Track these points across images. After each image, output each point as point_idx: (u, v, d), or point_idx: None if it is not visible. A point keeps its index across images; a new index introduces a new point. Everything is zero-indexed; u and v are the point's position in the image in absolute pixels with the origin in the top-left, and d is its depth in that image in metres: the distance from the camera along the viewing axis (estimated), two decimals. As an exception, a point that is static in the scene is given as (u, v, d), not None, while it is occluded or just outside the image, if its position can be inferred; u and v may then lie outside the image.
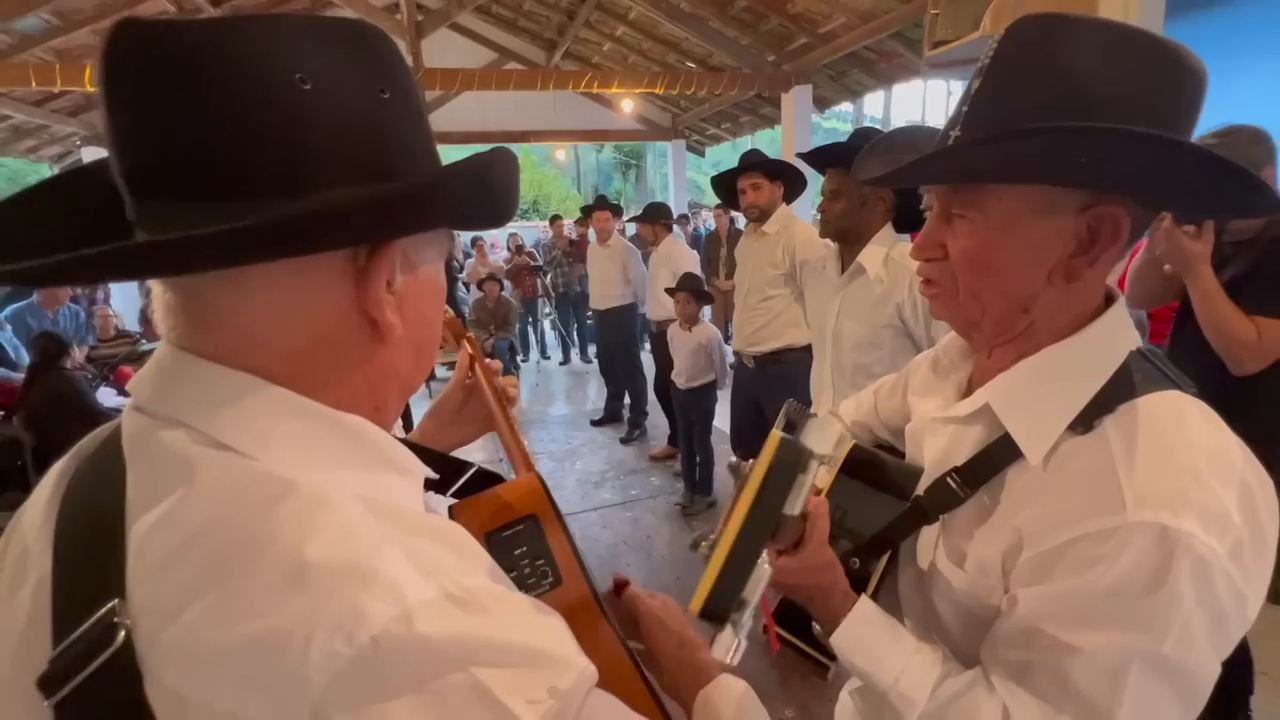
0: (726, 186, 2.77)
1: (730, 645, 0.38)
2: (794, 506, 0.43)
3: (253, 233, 0.33)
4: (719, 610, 0.37)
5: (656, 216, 4.29)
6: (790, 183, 2.72)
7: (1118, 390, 0.56)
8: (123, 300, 6.81)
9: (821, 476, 0.88)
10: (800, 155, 2.12)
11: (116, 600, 0.33)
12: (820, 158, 1.90)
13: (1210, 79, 0.53)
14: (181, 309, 0.39)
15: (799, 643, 0.76)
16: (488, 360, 0.81)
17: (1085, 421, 0.56)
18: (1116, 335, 0.59)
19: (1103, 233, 0.55)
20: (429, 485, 0.51)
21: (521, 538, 0.57)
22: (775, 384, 2.72)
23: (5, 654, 0.37)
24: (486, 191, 0.43)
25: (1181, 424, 0.53)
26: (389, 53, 0.41)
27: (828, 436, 0.42)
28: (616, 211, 4.68)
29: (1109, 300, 0.61)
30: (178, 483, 0.35)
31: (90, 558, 0.36)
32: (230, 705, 0.30)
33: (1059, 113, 0.51)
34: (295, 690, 0.30)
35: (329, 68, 0.37)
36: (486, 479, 0.69)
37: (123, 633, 0.32)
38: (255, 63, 0.35)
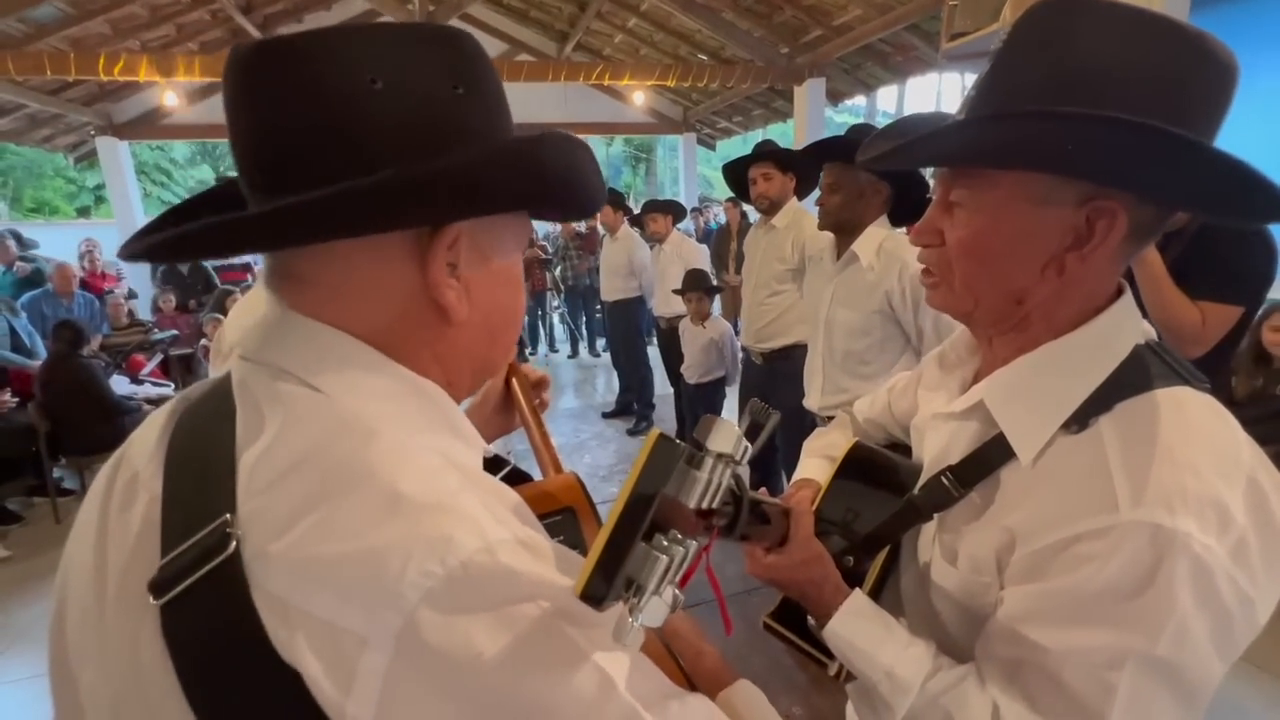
0: (737, 176, 2.74)
1: (625, 628, 0.39)
2: (690, 498, 0.44)
3: (312, 206, 0.38)
4: (597, 592, 0.38)
5: (654, 209, 4.24)
6: (803, 176, 2.69)
7: (1118, 387, 0.54)
8: (138, 289, 6.87)
9: (819, 471, 0.89)
10: (798, 151, 2.13)
11: (228, 514, 0.37)
12: (819, 151, 1.93)
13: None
14: (282, 272, 0.44)
15: (796, 639, 0.76)
16: (523, 365, 0.85)
17: (1080, 420, 0.54)
18: (1119, 330, 0.57)
19: (1098, 227, 0.52)
20: None
21: (559, 528, 0.60)
22: (784, 381, 2.69)
23: (117, 564, 0.41)
24: (537, 173, 0.44)
25: (1183, 420, 0.51)
26: (468, 53, 0.44)
27: (728, 437, 0.44)
28: (620, 205, 4.66)
29: (1119, 294, 0.58)
30: (280, 419, 0.40)
31: (203, 480, 0.40)
32: (327, 612, 0.33)
33: (1058, 95, 0.49)
34: (390, 603, 0.33)
35: (401, 69, 0.40)
36: (518, 478, 0.71)
37: (234, 543, 0.36)
38: (332, 71, 0.39)
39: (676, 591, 0.41)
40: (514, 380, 0.83)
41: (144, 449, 0.45)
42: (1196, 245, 1.58)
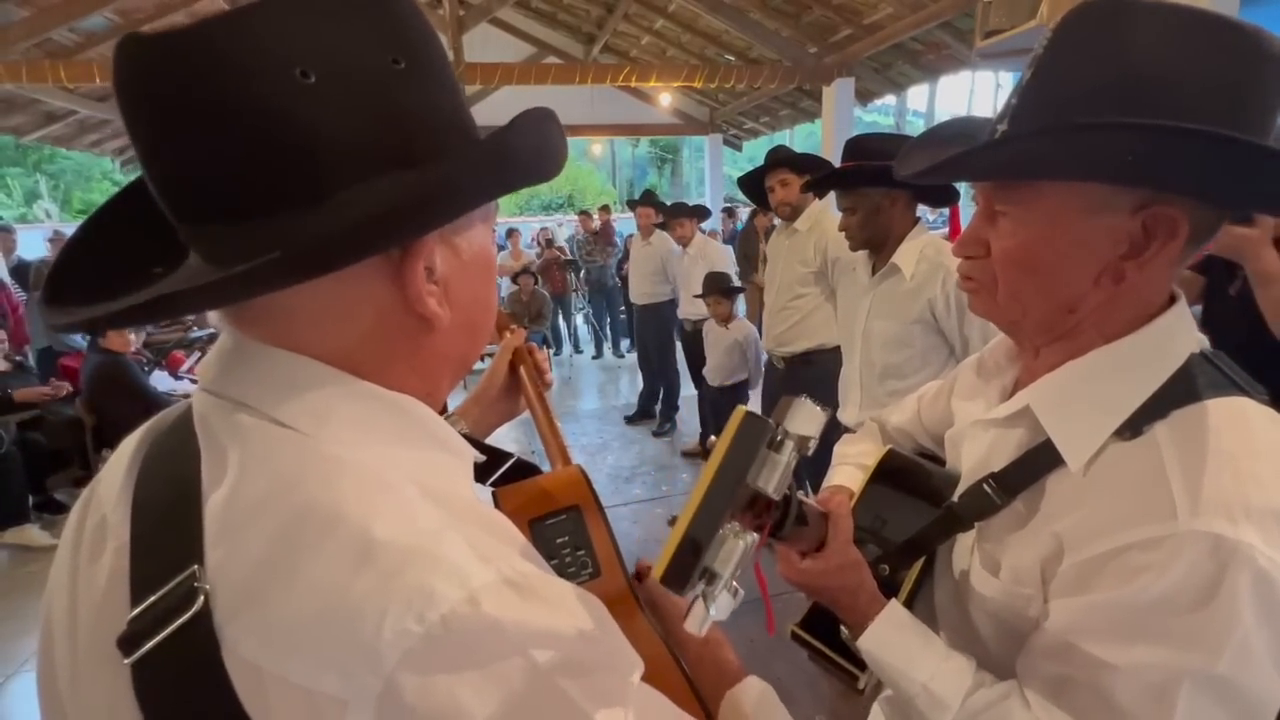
0: (754, 186, 2.73)
1: (700, 618, 0.38)
2: (769, 484, 0.42)
3: (273, 267, 0.33)
4: (679, 577, 0.37)
5: (679, 213, 4.25)
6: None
7: (1173, 395, 0.52)
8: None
9: (851, 479, 0.88)
10: (805, 187, 2.19)
11: (196, 566, 0.34)
12: (815, 186, 1.97)
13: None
14: (234, 309, 0.41)
15: (826, 649, 0.74)
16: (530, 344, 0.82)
17: (1134, 427, 0.52)
18: (1174, 337, 0.55)
19: (1158, 234, 0.51)
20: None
21: (564, 527, 0.59)
22: (806, 386, 2.66)
23: (87, 617, 0.39)
24: (512, 168, 0.41)
25: (1244, 429, 0.50)
26: (404, 12, 0.38)
27: (811, 419, 0.41)
28: (661, 209, 4.71)
29: (1172, 301, 0.57)
30: (240, 459, 0.37)
31: (170, 527, 0.37)
32: (303, 678, 0.31)
33: (1110, 100, 0.48)
34: (368, 665, 0.30)
35: (332, 49, 0.35)
36: (525, 469, 0.69)
37: (202, 597, 0.33)
38: (253, 68, 0.33)
39: (737, 585, 0.39)
40: (521, 366, 0.80)
41: (111, 490, 0.42)
42: None
